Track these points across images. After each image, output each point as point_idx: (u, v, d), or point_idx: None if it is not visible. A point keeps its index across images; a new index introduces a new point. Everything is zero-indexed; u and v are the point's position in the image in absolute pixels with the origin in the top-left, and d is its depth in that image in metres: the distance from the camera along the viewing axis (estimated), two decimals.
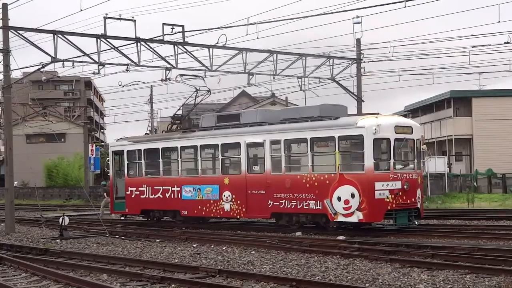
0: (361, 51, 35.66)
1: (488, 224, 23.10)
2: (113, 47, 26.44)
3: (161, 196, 25.66)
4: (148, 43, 27.02)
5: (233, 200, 23.08)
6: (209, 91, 26.33)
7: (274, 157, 22.00)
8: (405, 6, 25.05)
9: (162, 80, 28.25)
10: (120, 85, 32.61)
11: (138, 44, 26.55)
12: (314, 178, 20.71)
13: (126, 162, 27.22)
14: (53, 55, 25.11)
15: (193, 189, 24.44)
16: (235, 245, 18.68)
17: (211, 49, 28.02)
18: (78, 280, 13.13)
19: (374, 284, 12.03)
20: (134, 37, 26.38)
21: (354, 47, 35.68)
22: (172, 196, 25.23)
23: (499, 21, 28.26)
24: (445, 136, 52.27)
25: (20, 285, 13.36)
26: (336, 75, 33.64)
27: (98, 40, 25.75)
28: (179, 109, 27.53)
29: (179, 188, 24.93)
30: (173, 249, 18.47)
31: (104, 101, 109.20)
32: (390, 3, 25.37)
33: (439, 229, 21.24)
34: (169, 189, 25.33)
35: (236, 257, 16.38)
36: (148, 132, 57.90)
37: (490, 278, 12.25)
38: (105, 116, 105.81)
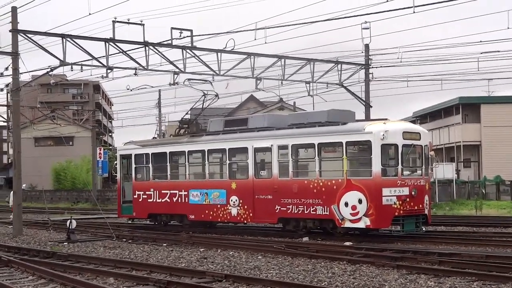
0: (369, 57, 35.62)
1: (496, 231, 23.01)
2: (121, 51, 26.48)
3: (168, 200, 25.68)
4: (156, 47, 27.05)
5: (240, 204, 23.08)
6: (217, 95, 26.37)
7: (281, 162, 21.98)
8: (414, 12, 25.04)
9: (170, 84, 28.26)
10: (128, 89, 32.71)
11: (147, 48, 26.59)
12: (321, 184, 20.68)
13: (133, 166, 27.27)
14: (61, 59, 25.15)
15: (200, 194, 24.45)
16: (242, 250, 18.67)
17: (219, 54, 28.03)
18: (85, 283, 13.14)
19: None
20: (142, 41, 26.42)
21: (362, 52, 35.66)
22: (179, 200, 25.24)
23: (508, 27, 28.22)
24: (453, 143, 52.15)
25: None
26: (344, 80, 33.60)
27: (107, 44, 25.79)
28: (187, 113, 27.56)
29: (186, 192, 24.94)
30: (180, 253, 18.47)
31: (112, 105, 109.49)
32: (399, 9, 25.35)
33: (446, 236, 21.15)
34: (176, 193, 25.35)
35: (243, 262, 16.37)
36: (156, 136, 57.97)
37: (497, 285, 12.20)
38: (113, 119, 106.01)
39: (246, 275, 14.04)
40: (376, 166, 19.56)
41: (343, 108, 22.97)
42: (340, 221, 20.28)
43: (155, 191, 26.20)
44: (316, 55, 32.30)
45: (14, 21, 26.00)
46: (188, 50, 27.39)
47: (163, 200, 25.90)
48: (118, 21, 25.67)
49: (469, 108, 51.88)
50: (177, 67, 27.65)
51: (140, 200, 26.83)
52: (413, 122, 47.02)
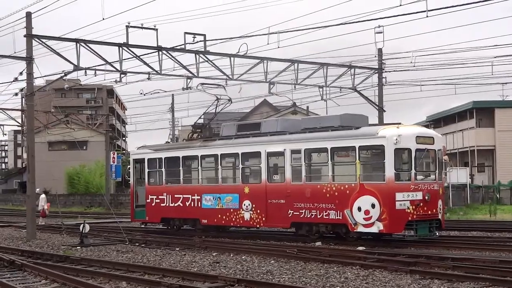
0: (382, 61, 35.51)
1: (510, 236, 22.85)
2: (135, 55, 26.57)
3: (181, 205, 25.71)
4: (169, 52, 27.11)
5: (253, 209, 23.07)
6: (230, 100, 26.42)
7: (294, 166, 21.96)
8: (427, 16, 24.94)
9: (183, 88, 28.30)
10: (141, 94, 32.78)
11: (160, 52, 26.65)
12: (334, 188, 20.64)
13: (147, 170, 27.34)
14: (75, 63, 25.25)
15: (213, 198, 24.47)
16: (254, 254, 18.65)
17: (232, 58, 28.05)
18: (98, 287, 13.17)
19: None
20: (156, 46, 26.48)
21: (375, 56, 35.55)
22: (192, 205, 25.27)
23: None
24: (467, 147, 51.91)
25: None
26: (357, 84, 33.52)
27: (120, 48, 25.88)
28: (200, 118, 27.62)
29: (199, 197, 24.97)
30: (192, 258, 18.48)
31: (126, 109, 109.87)
32: (412, 13, 25.26)
33: (460, 241, 21.05)
34: (189, 197, 25.38)
35: (255, 266, 16.35)
36: (169, 140, 58.12)
37: None
38: (126, 124, 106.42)
39: (258, 279, 14.02)
40: (390, 170, 19.50)
41: (356, 112, 22.91)
42: (353, 226, 20.22)
43: (168, 196, 26.25)
44: (329, 60, 32.27)
45: (29, 26, 26.16)
46: (201, 55, 27.43)
47: (176, 205, 25.94)
48: (131, 26, 25.75)
49: (483, 113, 51.63)
50: (190, 72, 27.69)
51: (153, 204, 26.88)
52: (427, 126, 46.80)
